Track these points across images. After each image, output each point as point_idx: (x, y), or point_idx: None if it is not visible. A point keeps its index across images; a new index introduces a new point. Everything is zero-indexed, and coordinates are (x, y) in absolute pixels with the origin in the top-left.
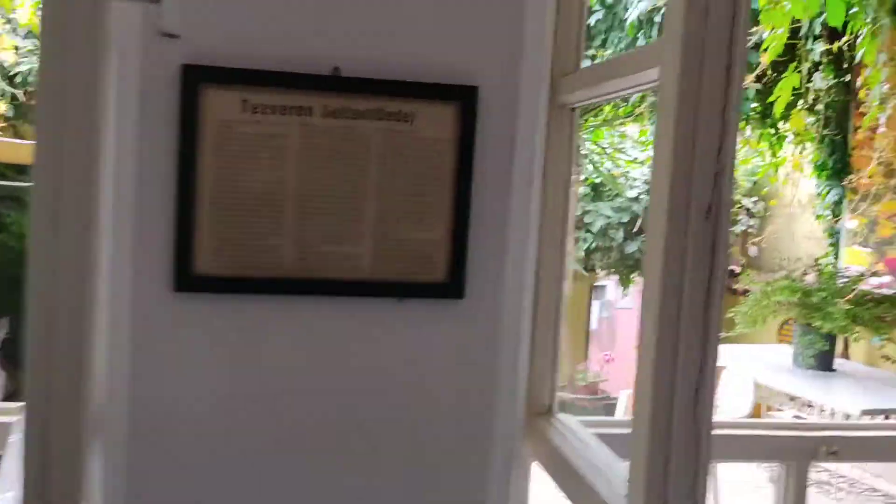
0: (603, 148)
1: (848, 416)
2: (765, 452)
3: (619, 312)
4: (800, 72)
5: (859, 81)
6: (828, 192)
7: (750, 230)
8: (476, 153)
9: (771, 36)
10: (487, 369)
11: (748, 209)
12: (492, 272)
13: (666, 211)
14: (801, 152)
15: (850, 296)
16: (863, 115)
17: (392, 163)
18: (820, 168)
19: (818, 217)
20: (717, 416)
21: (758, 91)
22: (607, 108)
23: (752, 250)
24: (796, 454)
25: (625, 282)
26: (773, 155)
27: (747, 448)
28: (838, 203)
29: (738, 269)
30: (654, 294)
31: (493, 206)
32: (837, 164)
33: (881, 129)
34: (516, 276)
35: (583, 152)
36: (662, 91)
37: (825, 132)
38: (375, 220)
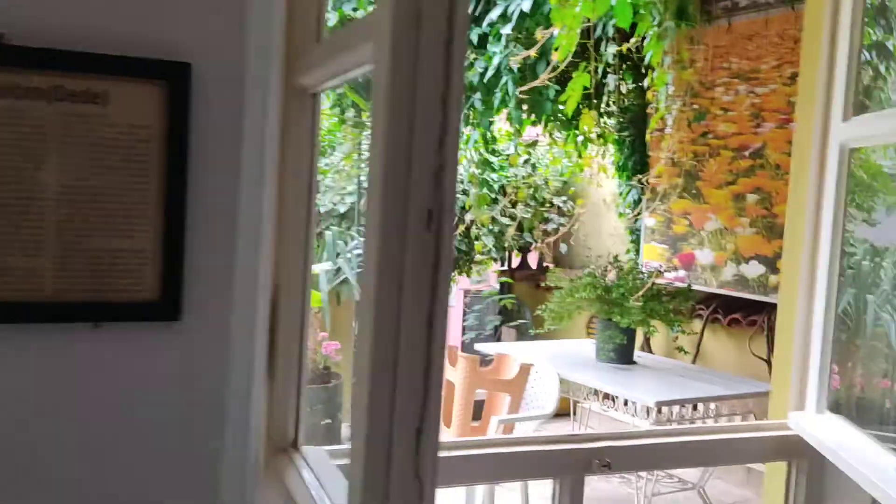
0: None
1: (646, 409)
2: (537, 469)
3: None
4: (589, 72)
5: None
6: (628, 192)
7: (561, 228)
8: (192, 143)
9: (562, 35)
10: (213, 403)
11: (559, 208)
12: (217, 286)
13: (379, 218)
14: (602, 153)
15: (643, 290)
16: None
17: (79, 154)
18: (621, 168)
19: (620, 215)
20: (527, 413)
21: (557, 91)
22: None
23: (563, 248)
24: (570, 469)
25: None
26: (579, 156)
27: (520, 466)
28: (637, 202)
29: (551, 266)
30: (367, 316)
31: (217, 207)
32: (636, 165)
33: (668, 130)
34: (248, 289)
35: None
36: (376, 71)
37: (624, 134)
38: (59, 227)
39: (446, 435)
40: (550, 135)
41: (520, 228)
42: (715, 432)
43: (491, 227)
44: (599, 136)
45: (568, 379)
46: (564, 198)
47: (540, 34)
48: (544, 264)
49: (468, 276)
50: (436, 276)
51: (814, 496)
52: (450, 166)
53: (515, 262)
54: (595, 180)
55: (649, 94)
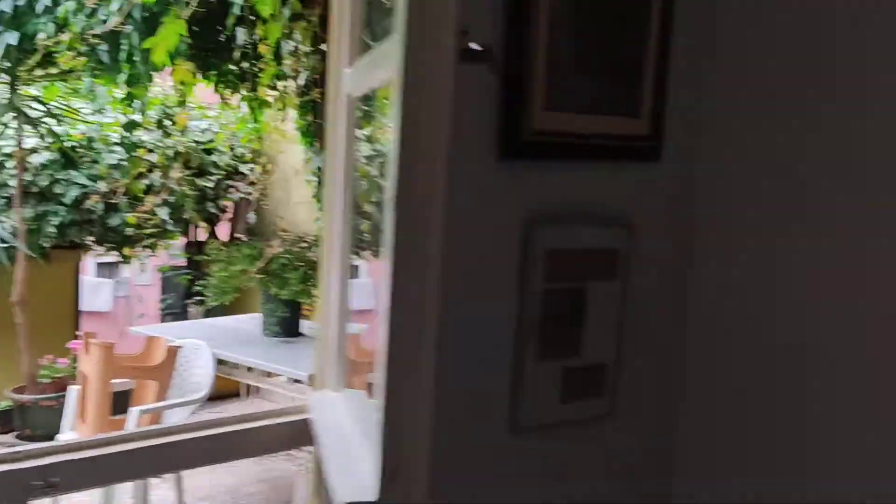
0: (49, 108)
1: (295, 380)
2: None
3: (142, 290)
4: (181, 18)
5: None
6: (313, 158)
7: (249, 197)
8: None
9: None
10: None
11: (246, 176)
12: None
13: None
14: (282, 118)
15: (265, 260)
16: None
17: None
18: (304, 135)
19: (308, 183)
20: (182, 398)
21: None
22: (62, 59)
23: (251, 218)
24: (3, 496)
25: (125, 258)
26: (256, 120)
27: None
28: (321, 168)
29: (244, 238)
30: None
31: None
32: (319, 130)
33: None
34: None
35: (34, 114)
36: None
37: (305, 98)
38: None
39: (82, 432)
40: (223, 96)
41: (203, 199)
42: (222, 425)
43: (168, 197)
44: (278, 100)
45: (223, 358)
46: (252, 165)
47: None
48: (235, 236)
49: (152, 249)
50: None
51: None
52: None
53: (205, 235)
54: (278, 147)
55: (261, 48)
